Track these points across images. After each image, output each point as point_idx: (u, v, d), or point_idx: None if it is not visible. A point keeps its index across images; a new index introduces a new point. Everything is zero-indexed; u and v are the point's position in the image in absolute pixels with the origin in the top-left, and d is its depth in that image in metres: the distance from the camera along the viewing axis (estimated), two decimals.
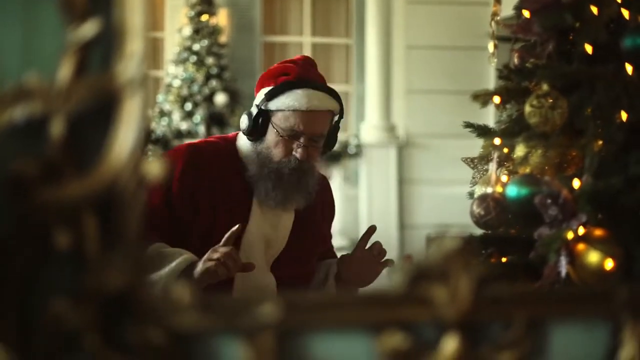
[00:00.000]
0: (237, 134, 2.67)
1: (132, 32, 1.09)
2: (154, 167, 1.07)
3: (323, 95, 2.58)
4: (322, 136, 2.58)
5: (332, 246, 2.89)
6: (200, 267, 2.38)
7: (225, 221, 2.50)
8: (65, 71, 1.08)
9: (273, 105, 2.55)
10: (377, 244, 2.63)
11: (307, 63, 2.67)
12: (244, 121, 2.59)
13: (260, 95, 2.59)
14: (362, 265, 2.64)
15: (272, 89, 2.57)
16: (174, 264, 2.40)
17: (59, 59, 1.09)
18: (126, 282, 1.06)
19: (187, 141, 7.80)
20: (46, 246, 1.06)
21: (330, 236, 2.90)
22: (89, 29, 1.08)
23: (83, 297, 1.06)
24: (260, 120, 2.56)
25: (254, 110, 2.57)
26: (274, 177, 2.54)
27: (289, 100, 2.54)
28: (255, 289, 2.54)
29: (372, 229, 2.66)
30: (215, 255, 2.37)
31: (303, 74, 2.60)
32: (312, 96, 2.55)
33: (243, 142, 2.61)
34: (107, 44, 1.10)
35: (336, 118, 2.64)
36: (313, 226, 2.70)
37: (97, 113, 1.08)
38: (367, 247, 2.63)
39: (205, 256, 2.39)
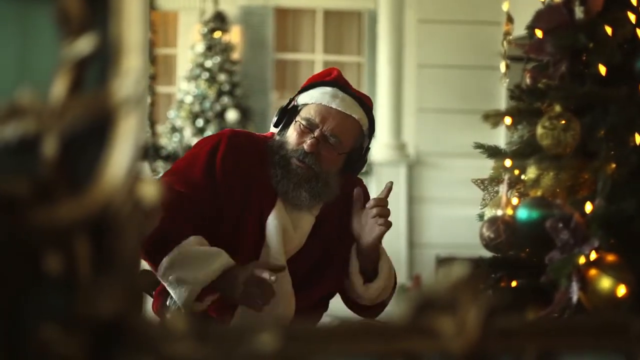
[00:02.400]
0: (274, 133, 2.71)
1: (129, 48, 1.05)
2: (150, 189, 1.03)
3: (351, 101, 2.62)
4: (338, 139, 2.58)
5: None
6: (240, 290, 2.39)
7: (254, 209, 2.57)
8: (59, 88, 1.04)
9: (302, 99, 2.63)
10: (374, 201, 2.62)
11: (345, 78, 2.74)
12: (276, 114, 2.68)
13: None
14: (364, 220, 2.63)
15: (307, 85, 2.66)
16: (212, 267, 2.41)
17: (54, 75, 1.05)
18: (119, 309, 1.02)
19: None
20: (36, 270, 1.02)
21: None
22: (84, 44, 1.05)
23: (74, 324, 1.02)
24: (288, 113, 2.64)
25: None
26: (282, 164, 2.57)
27: (316, 94, 2.61)
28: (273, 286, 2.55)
29: (389, 186, 2.65)
30: (257, 293, 2.39)
31: (340, 79, 2.66)
32: (338, 95, 2.60)
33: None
34: (104, 60, 1.06)
35: (366, 141, 2.68)
36: (335, 234, 2.68)
37: (92, 132, 1.04)
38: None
39: (246, 279, 2.39)
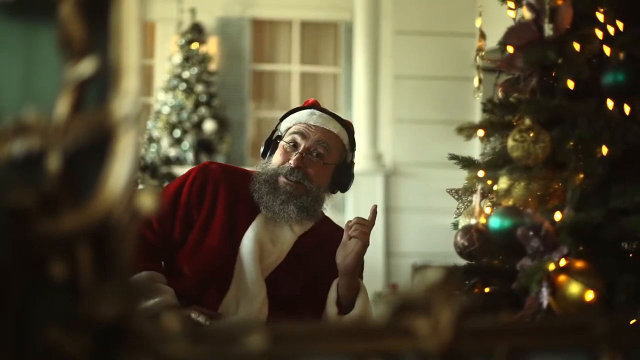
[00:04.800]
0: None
1: (128, 69, 1.13)
2: (147, 200, 1.10)
3: (328, 117, 2.78)
4: (320, 151, 2.72)
5: None
6: None
7: (225, 223, 2.66)
8: (62, 107, 1.12)
9: (283, 126, 2.80)
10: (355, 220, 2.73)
11: (318, 103, 2.88)
12: (262, 145, 2.83)
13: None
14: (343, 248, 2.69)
15: (285, 113, 2.83)
16: (151, 303, 2.49)
17: (57, 95, 1.13)
18: (118, 312, 1.09)
19: (176, 167, 7.75)
20: (42, 276, 1.09)
21: None
22: (86, 66, 1.12)
23: (77, 327, 1.09)
24: (272, 142, 2.79)
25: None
26: (270, 181, 2.69)
27: (294, 117, 2.78)
28: (246, 294, 2.62)
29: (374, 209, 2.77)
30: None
31: (317, 104, 2.83)
32: (315, 113, 2.77)
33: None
34: (104, 81, 1.13)
35: (349, 156, 2.83)
36: (315, 265, 2.76)
37: (93, 148, 1.12)
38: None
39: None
